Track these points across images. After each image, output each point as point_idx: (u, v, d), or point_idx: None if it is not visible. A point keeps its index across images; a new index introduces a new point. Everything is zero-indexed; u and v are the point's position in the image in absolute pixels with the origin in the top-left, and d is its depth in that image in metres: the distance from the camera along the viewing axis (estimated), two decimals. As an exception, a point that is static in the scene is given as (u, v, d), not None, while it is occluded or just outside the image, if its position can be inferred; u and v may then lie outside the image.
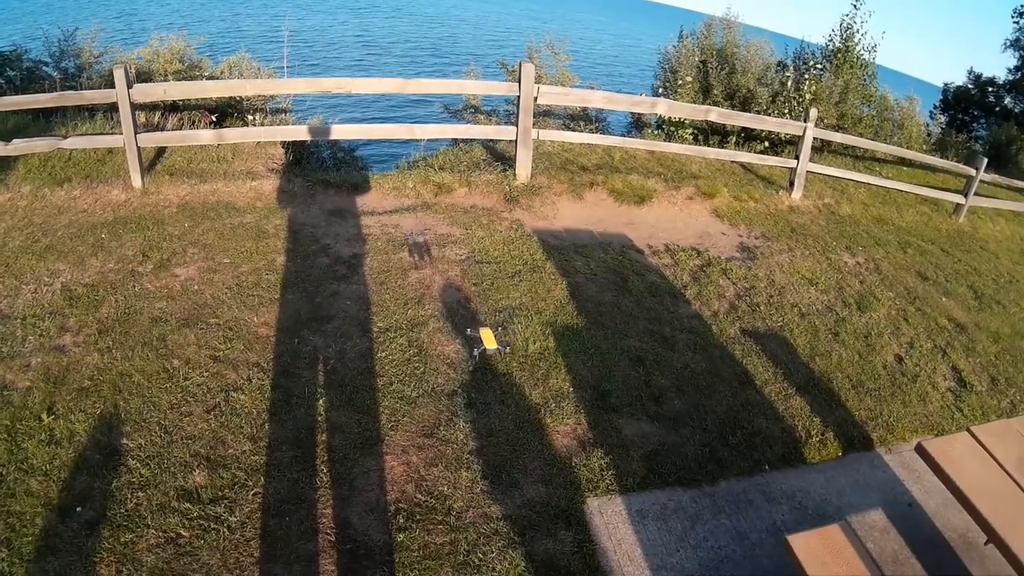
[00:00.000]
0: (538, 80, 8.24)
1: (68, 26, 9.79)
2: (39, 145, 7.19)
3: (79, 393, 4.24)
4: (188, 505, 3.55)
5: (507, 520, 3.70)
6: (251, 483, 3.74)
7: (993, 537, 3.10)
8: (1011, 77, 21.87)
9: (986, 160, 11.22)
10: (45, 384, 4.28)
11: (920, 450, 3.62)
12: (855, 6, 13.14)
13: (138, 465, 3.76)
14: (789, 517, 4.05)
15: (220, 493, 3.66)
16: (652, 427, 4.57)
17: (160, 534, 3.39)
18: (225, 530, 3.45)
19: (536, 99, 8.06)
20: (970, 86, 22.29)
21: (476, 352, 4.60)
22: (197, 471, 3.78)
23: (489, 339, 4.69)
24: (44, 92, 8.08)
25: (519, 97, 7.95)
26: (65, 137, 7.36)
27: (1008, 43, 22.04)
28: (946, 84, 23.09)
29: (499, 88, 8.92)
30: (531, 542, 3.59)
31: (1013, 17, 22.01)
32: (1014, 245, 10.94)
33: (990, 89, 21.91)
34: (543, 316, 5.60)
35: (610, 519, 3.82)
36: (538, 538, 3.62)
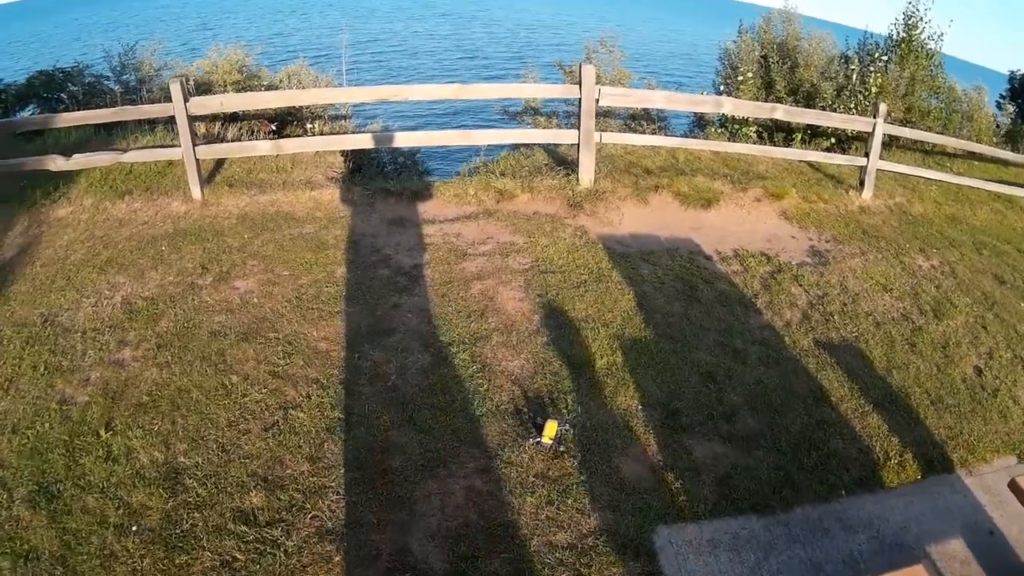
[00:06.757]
0: (598, 81, 8.01)
1: (129, 40, 9.98)
2: (100, 159, 7.29)
3: (137, 409, 4.22)
4: (244, 527, 3.48)
5: (573, 550, 3.52)
6: (309, 505, 3.65)
7: None
8: (1082, 61, 20.80)
9: (1060, 152, 10.60)
10: (104, 399, 4.28)
11: (1014, 487, 3.28)
12: None
13: (195, 484, 3.72)
14: (866, 547, 3.80)
15: (277, 515, 3.58)
16: (724, 448, 4.34)
17: (215, 557, 3.33)
18: (282, 555, 3.36)
19: (598, 101, 7.85)
20: (1038, 72, 21.26)
21: (532, 442, 4.25)
22: (254, 492, 3.70)
23: (549, 432, 4.17)
24: (105, 105, 8.24)
25: (580, 100, 7.74)
26: (125, 151, 7.46)
27: None
28: (1012, 72, 22.04)
29: (558, 91, 8.80)
30: (598, 574, 3.41)
31: None
32: (1095, 242, 10.25)
33: (1061, 75, 20.85)
34: (610, 329, 5.39)
35: (680, 549, 3.61)
36: (605, 569, 3.44)
